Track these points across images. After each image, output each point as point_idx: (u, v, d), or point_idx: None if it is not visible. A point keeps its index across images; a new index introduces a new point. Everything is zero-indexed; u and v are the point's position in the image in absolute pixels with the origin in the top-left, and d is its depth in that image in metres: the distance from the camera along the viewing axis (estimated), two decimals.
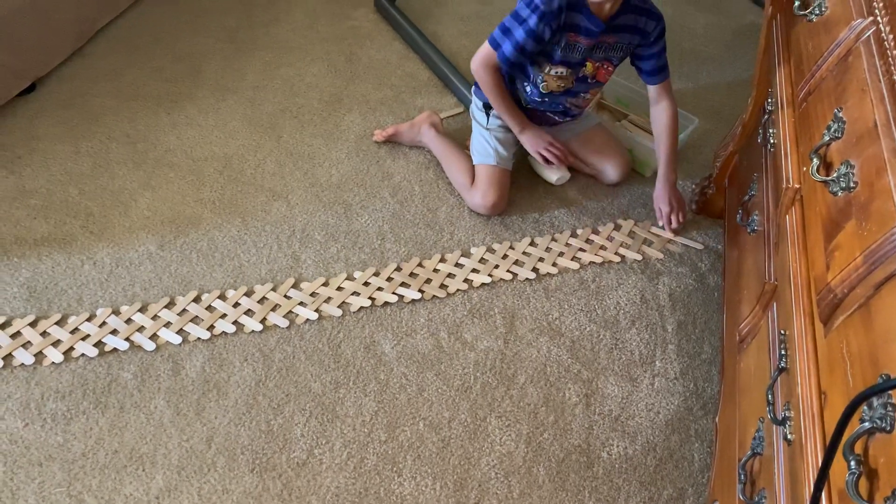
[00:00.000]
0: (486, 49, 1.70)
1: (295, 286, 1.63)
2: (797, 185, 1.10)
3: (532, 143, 1.83)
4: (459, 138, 1.98)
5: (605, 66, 1.75)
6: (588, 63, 1.73)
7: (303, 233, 1.75)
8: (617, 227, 1.85)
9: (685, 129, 1.97)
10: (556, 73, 1.73)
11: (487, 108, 1.88)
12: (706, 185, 1.84)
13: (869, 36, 1.03)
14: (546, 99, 1.79)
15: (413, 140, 1.99)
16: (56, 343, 1.47)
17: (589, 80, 1.77)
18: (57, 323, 1.51)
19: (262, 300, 1.59)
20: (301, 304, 1.59)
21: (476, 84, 1.85)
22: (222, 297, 1.59)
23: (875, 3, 1.04)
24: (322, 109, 2.12)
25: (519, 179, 1.92)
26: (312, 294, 1.62)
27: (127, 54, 2.25)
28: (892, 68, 0.92)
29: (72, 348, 1.46)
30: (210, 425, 1.36)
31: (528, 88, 1.79)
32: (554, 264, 1.74)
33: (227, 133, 2.01)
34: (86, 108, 2.05)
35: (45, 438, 1.31)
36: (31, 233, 1.69)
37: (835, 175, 0.94)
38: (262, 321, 1.55)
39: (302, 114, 2.10)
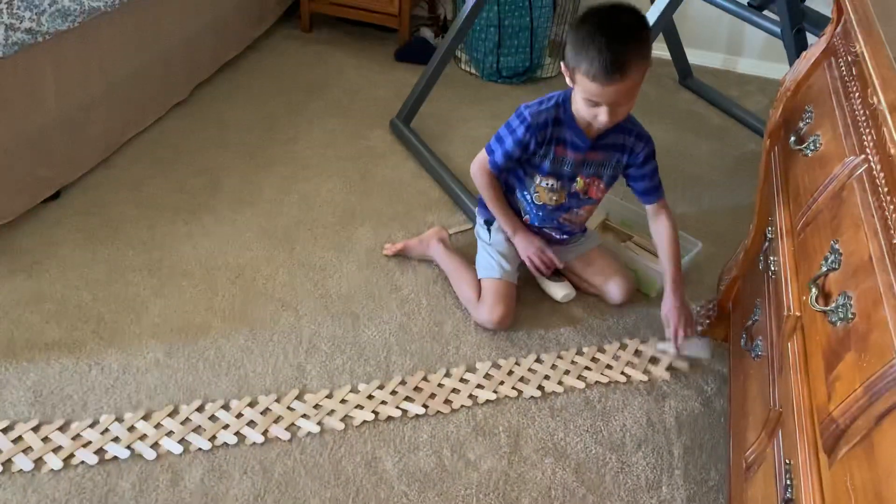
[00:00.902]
0: (482, 155, 1.86)
1: (299, 398, 1.63)
2: (798, 314, 1.12)
3: (523, 246, 1.89)
4: (467, 254, 2.03)
5: (597, 184, 1.83)
6: (579, 178, 1.81)
7: (309, 343, 1.77)
8: (622, 347, 1.85)
9: (689, 253, 2.01)
10: (547, 184, 1.82)
11: (489, 223, 1.95)
12: (710, 309, 1.86)
13: (861, 173, 1.08)
14: (541, 213, 1.87)
15: (422, 254, 2.04)
16: (57, 449, 1.46)
17: (581, 197, 1.85)
18: (59, 429, 1.51)
19: (265, 411, 1.59)
20: (304, 416, 1.58)
21: (480, 201, 1.93)
22: (226, 406, 1.59)
23: (866, 142, 1.09)
24: (335, 223, 2.18)
25: (525, 296, 1.95)
26: (316, 406, 1.61)
27: (150, 166, 2.35)
28: (885, 204, 0.96)
29: (72, 455, 1.46)
30: None
31: (525, 197, 1.88)
32: (560, 382, 1.73)
33: (242, 244, 2.06)
34: (106, 216, 2.12)
35: None
36: (42, 337, 1.72)
37: (833, 306, 0.96)
38: (264, 433, 1.54)
39: (315, 227, 2.16)
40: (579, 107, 1.67)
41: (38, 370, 1.63)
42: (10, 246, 1.97)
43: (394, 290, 1.96)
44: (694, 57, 3.21)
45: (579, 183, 1.82)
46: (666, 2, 2.11)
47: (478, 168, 1.87)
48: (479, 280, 1.90)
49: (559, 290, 1.96)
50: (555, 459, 1.55)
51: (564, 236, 1.95)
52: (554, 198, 1.84)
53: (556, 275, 1.99)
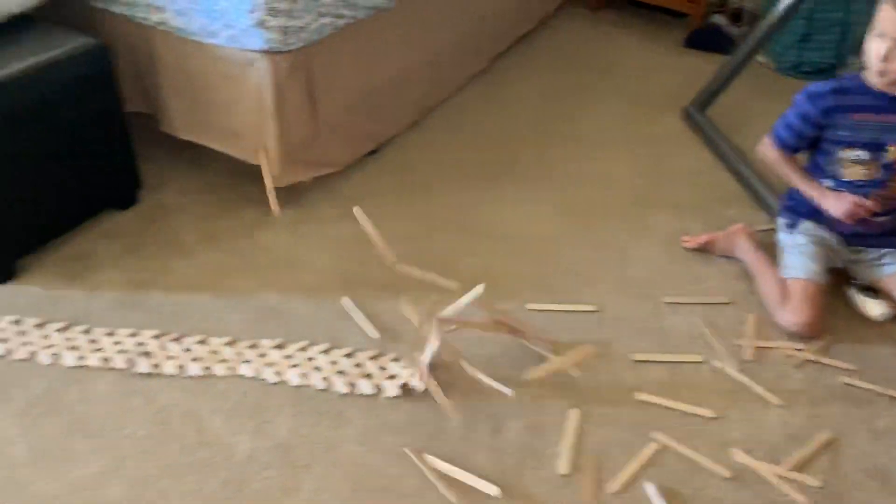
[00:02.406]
0: (766, 137, 1.89)
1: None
2: None
3: (834, 203, 1.79)
4: (774, 254, 1.94)
5: None
6: (890, 147, 1.73)
7: (613, 321, 1.79)
8: None
9: None
10: (854, 156, 1.75)
11: (792, 227, 1.86)
12: None
13: None
14: (852, 192, 1.78)
15: (725, 251, 1.99)
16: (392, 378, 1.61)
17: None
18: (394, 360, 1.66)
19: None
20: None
21: (784, 207, 1.89)
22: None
23: None
24: (630, 207, 2.18)
25: (835, 309, 1.84)
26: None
27: (454, 131, 2.48)
28: None
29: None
30: None
31: (833, 179, 1.80)
32: None
33: (541, 216, 2.13)
34: (418, 174, 2.28)
35: (381, 465, 1.44)
36: (371, 277, 1.88)
37: None
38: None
39: (610, 208, 2.17)
40: (872, 61, 1.67)
41: (369, 305, 1.80)
42: (339, 192, 2.18)
43: (695, 281, 1.93)
44: None
45: (891, 151, 1.74)
46: None
47: (763, 147, 1.90)
48: (785, 280, 1.82)
49: (876, 308, 1.83)
50: None
51: (882, 218, 1.81)
52: (864, 171, 1.77)
53: (871, 290, 1.86)
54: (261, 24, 1.76)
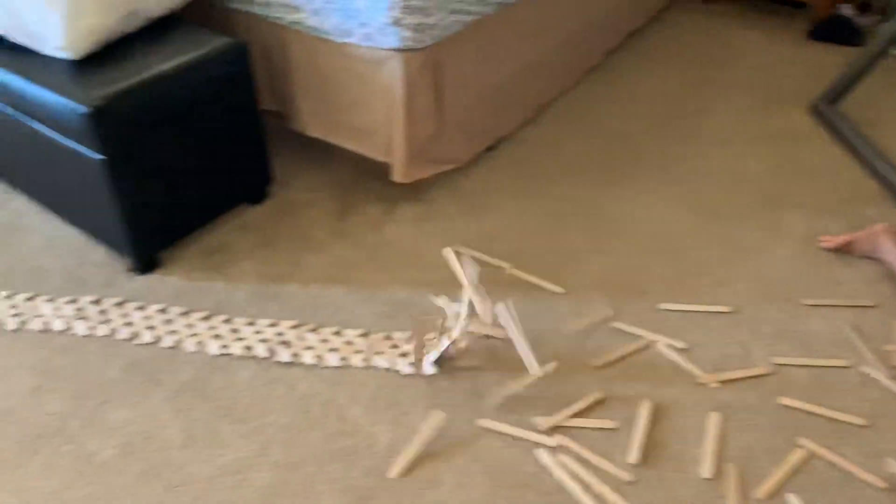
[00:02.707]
0: None
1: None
2: None
3: None
4: None
5: None
6: None
7: (751, 324, 1.74)
8: None
9: None
10: None
11: None
12: None
13: None
14: None
15: (867, 251, 1.90)
16: None
17: None
18: None
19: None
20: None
21: None
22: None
23: None
24: (761, 204, 2.11)
25: None
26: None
27: (570, 127, 2.46)
28: None
29: None
30: None
31: None
32: None
33: (668, 214, 2.08)
34: (536, 169, 2.27)
35: (521, 462, 1.44)
36: (503, 274, 1.89)
37: None
38: None
39: (740, 205, 2.11)
40: None
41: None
42: (461, 188, 2.19)
43: (836, 284, 1.84)
44: None
45: None
46: None
47: None
48: None
49: None
50: None
51: None
52: None
53: None
54: (396, 22, 1.78)
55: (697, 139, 2.39)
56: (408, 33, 1.81)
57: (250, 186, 2.11)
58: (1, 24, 1.84)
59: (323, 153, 2.30)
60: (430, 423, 1.52)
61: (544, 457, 1.47)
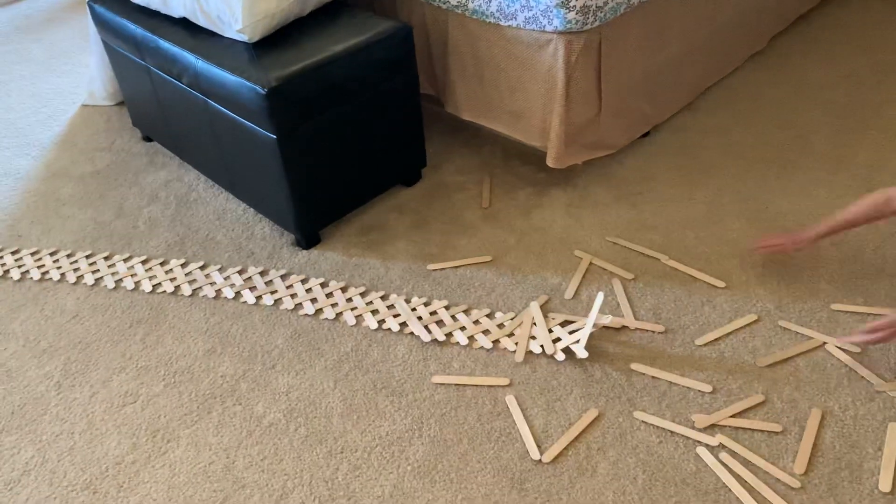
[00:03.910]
0: None
1: None
2: None
3: None
4: None
5: None
6: None
7: None
8: None
9: None
10: None
11: None
12: None
13: None
14: None
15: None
16: None
17: None
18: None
19: None
20: None
21: None
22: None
23: None
24: None
25: None
26: None
27: (730, 114, 2.35)
28: None
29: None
30: None
31: None
32: None
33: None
34: (696, 158, 2.18)
35: (678, 458, 1.39)
36: (651, 263, 1.84)
37: None
38: None
39: None
40: None
41: (654, 294, 1.76)
42: (615, 175, 2.15)
43: None
44: None
45: None
46: None
47: None
48: None
49: None
50: None
51: None
52: None
53: None
54: (563, 4, 1.76)
55: (879, 131, 2.22)
56: (573, 15, 1.78)
57: (405, 168, 2.15)
58: (185, 8, 1.96)
59: (473, 136, 2.31)
60: (587, 414, 1.51)
61: (705, 455, 1.42)
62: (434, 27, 2.11)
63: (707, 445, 1.44)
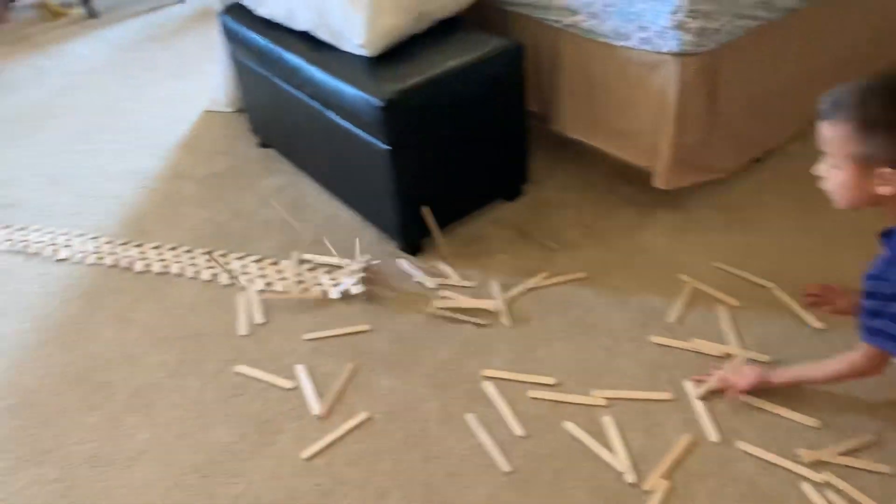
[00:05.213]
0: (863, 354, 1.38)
1: None
2: None
3: None
4: None
5: None
6: None
7: None
8: None
9: None
10: None
11: None
12: None
13: None
14: None
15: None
16: None
17: None
18: None
19: None
20: None
21: None
22: None
23: None
24: None
25: None
26: None
27: None
28: None
29: None
30: None
31: None
32: None
33: None
34: (810, 187, 2.07)
35: (780, 493, 1.35)
36: (755, 291, 1.79)
37: None
38: None
39: None
40: None
41: (765, 323, 1.72)
42: (723, 199, 2.11)
43: None
44: None
45: None
46: None
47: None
48: None
49: None
50: None
51: None
52: None
53: None
54: (680, 25, 1.75)
55: None
56: (689, 37, 1.77)
57: (508, 183, 2.18)
58: (309, 22, 2.06)
59: (575, 154, 2.32)
60: (687, 439, 1.49)
61: (810, 491, 1.38)
62: (544, 46, 2.13)
63: (812, 482, 1.39)
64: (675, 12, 1.74)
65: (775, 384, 1.52)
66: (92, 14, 3.82)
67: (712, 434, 1.50)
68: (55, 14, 3.86)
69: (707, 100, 1.92)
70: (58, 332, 1.93)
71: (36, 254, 2.20)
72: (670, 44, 1.80)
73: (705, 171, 2.05)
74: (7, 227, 2.33)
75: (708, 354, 1.66)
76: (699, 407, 1.55)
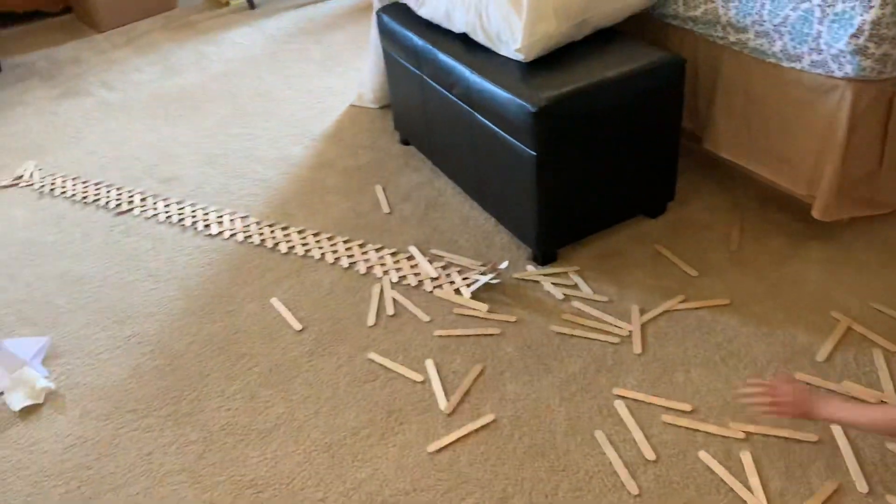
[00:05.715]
0: None
1: None
2: None
3: None
4: None
5: None
6: None
7: None
8: None
9: None
10: None
11: None
12: None
13: None
14: None
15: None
16: None
17: None
18: None
19: None
20: None
21: None
22: None
23: None
24: None
25: None
26: None
27: None
28: None
29: None
30: None
31: None
32: None
33: None
34: None
35: None
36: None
37: None
38: None
39: None
40: None
41: None
42: (885, 236, 1.99)
43: None
44: None
45: None
46: None
47: None
48: None
49: None
50: None
51: None
52: None
53: None
54: (860, 50, 1.65)
55: None
56: (869, 63, 1.67)
57: (652, 199, 2.13)
58: (467, 25, 2.08)
59: (726, 176, 2.23)
60: (830, 486, 1.40)
61: None
62: (705, 62, 2.07)
63: None
64: (856, 36, 1.65)
65: (821, 418, 1.39)
66: (251, 5, 4.03)
67: (861, 484, 1.40)
68: (221, 2, 4.10)
69: (879, 130, 1.81)
70: (205, 301, 2.04)
71: (190, 226, 2.34)
72: (846, 69, 1.70)
73: (868, 205, 1.93)
74: (166, 199, 2.48)
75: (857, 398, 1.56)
76: (848, 452, 1.46)
